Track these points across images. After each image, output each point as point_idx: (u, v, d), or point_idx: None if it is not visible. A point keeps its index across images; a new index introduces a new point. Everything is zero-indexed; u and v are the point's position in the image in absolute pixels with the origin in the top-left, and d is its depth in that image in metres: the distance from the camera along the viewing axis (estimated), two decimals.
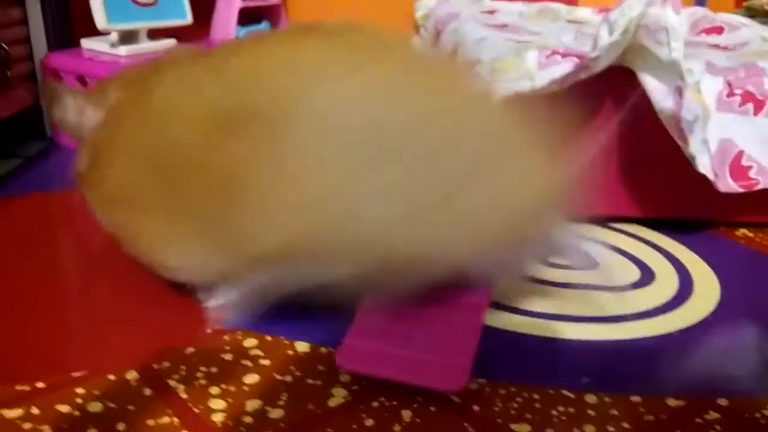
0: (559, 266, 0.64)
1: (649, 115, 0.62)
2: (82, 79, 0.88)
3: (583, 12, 1.08)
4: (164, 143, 0.48)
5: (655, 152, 0.68)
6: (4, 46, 0.83)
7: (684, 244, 0.70)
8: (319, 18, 1.20)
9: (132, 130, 0.50)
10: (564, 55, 0.63)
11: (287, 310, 0.54)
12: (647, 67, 0.61)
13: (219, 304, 0.52)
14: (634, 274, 0.64)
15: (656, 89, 0.61)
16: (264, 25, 1.11)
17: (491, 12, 1.04)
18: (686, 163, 0.63)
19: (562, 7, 1.09)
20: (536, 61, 0.64)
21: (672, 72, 0.58)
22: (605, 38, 0.61)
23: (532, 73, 0.63)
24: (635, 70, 0.62)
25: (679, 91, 0.58)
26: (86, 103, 0.53)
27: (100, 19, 0.86)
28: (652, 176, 0.70)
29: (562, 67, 0.61)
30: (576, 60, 0.60)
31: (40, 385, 0.45)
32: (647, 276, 0.64)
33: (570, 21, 1.00)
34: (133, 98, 0.51)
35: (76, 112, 0.53)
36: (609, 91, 0.66)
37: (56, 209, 0.76)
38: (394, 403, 0.44)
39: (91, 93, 0.55)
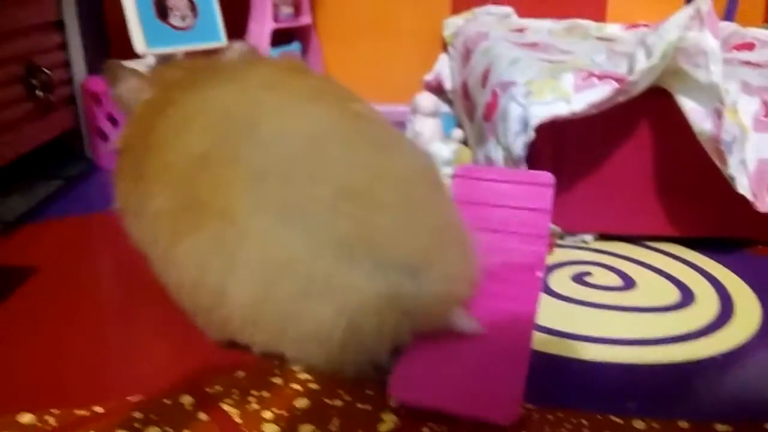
0: (599, 287, 0.65)
1: (686, 134, 0.63)
2: None
3: (612, 28, 1.09)
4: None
5: (692, 171, 0.68)
6: (46, 71, 0.86)
7: (722, 263, 0.70)
8: (348, 38, 1.22)
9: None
10: (601, 78, 0.63)
11: None
12: (685, 89, 0.61)
13: None
14: (674, 295, 0.64)
15: (694, 111, 0.61)
16: (295, 45, 1.12)
17: (520, 30, 1.04)
18: (723, 183, 0.63)
19: (591, 24, 1.09)
20: (572, 84, 0.65)
21: (711, 94, 0.59)
22: (642, 62, 0.61)
23: (568, 95, 0.63)
24: (672, 91, 0.63)
25: (718, 114, 0.58)
26: (143, 83, 0.58)
27: (139, 44, 0.88)
28: (689, 195, 0.70)
29: (600, 91, 0.61)
30: (614, 84, 0.61)
31: (98, 409, 0.46)
32: (687, 297, 0.64)
33: (600, 38, 1.00)
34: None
35: (134, 91, 0.58)
36: (645, 111, 0.66)
37: (99, 230, 0.78)
38: (444, 428, 0.44)
39: (147, 75, 0.60)
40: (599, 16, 1.19)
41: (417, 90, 1.21)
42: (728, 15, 1.18)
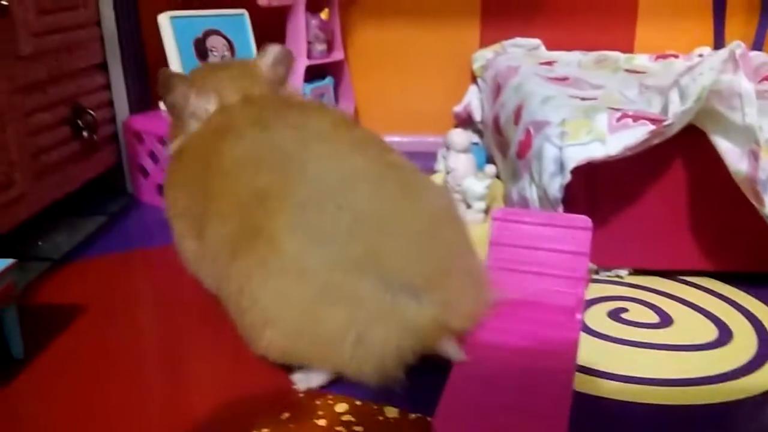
0: (635, 324, 0.65)
1: (719, 170, 0.63)
2: (162, 140, 0.93)
3: (641, 59, 1.09)
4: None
5: (725, 206, 0.68)
6: (91, 112, 0.89)
7: (758, 298, 0.70)
8: (379, 72, 1.24)
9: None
10: (635, 119, 0.64)
11: None
12: (720, 130, 0.62)
13: (308, 385, 0.56)
14: (711, 332, 0.64)
15: (730, 151, 0.62)
16: (328, 80, 1.15)
17: (550, 63, 1.05)
18: (758, 217, 0.63)
19: (619, 56, 1.10)
20: (607, 124, 0.66)
21: (746, 136, 0.59)
22: (676, 103, 0.62)
23: (603, 136, 0.64)
24: (707, 132, 0.63)
25: (754, 155, 0.59)
26: (192, 91, 0.65)
27: None
28: (724, 229, 0.70)
29: (636, 133, 0.62)
30: (650, 126, 0.62)
31: None
32: (725, 335, 0.64)
33: (629, 70, 1.01)
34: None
35: (183, 99, 0.65)
36: (678, 148, 0.67)
37: (143, 266, 0.80)
38: None
39: (195, 83, 0.66)
40: (627, 46, 1.20)
41: (446, 121, 1.23)
42: (757, 44, 1.18)
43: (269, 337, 0.53)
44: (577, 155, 0.63)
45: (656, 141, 0.62)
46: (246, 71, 0.68)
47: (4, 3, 0.70)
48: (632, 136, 0.62)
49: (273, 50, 0.70)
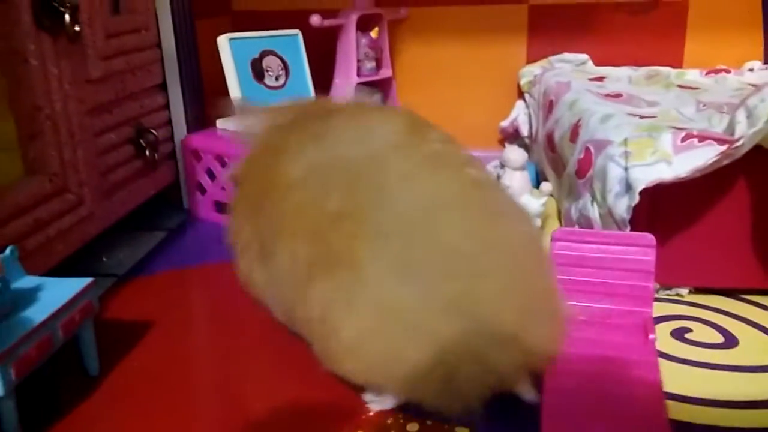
0: (700, 344, 0.65)
1: None
2: (220, 159, 0.95)
3: (692, 74, 1.09)
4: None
5: None
6: (153, 131, 0.91)
7: None
8: (426, 88, 1.26)
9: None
10: (701, 139, 0.64)
11: None
12: None
13: (382, 407, 0.56)
14: None
15: None
16: (375, 97, 1.16)
17: (600, 79, 1.05)
18: None
19: (670, 71, 1.09)
20: (671, 144, 0.66)
21: None
22: (744, 123, 0.62)
23: (668, 156, 0.64)
24: None
25: None
26: (265, 119, 0.66)
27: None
28: None
29: (703, 154, 0.62)
30: (717, 147, 0.62)
31: None
32: None
33: (681, 86, 1.01)
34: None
35: (255, 125, 0.66)
36: (741, 166, 0.66)
37: (203, 282, 0.82)
38: None
39: (269, 113, 0.67)
40: (676, 60, 1.20)
41: (492, 136, 1.24)
42: None
43: (351, 368, 0.52)
44: (645, 176, 0.63)
45: (726, 162, 0.62)
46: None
47: (77, 29, 0.73)
48: (701, 157, 0.62)
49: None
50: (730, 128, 0.65)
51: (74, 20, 0.71)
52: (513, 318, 0.49)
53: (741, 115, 0.63)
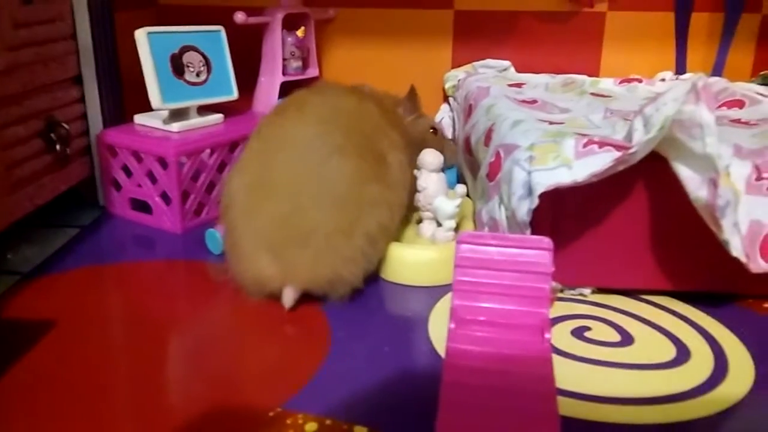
0: (598, 342, 0.67)
1: (678, 194, 0.66)
2: (136, 155, 0.93)
3: (606, 83, 1.13)
4: None
5: (685, 228, 0.71)
6: (65, 125, 0.89)
7: (715, 317, 0.73)
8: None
9: None
10: (600, 145, 0.67)
11: (341, 393, 0.58)
12: (681, 157, 0.65)
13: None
14: (670, 351, 0.67)
15: (690, 179, 0.64)
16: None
17: (519, 85, 1.08)
18: (715, 239, 0.66)
19: (585, 79, 1.14)
20: (573, 150, 0.68)
21: (706, 164, 0.62)
22: (640, 131, 0.65)
23: (569, 161, 0.67)
24: (669, 159, 0.66)
25: (714, 183, 0.62)
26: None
27: (155, 100, 0.91)
28: (683, 251, 0.73)
29: (601, 160, 0.65)
30: (614, 153, 0.64)
31: None
32: (683, 354, 0.66)
33: (595, 94, 1.05)
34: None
35: None
36: (640, 172, 0.69)
37: (114, 280, 0.80)
38: None
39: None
40: (594, 69, 1.24)
41: None
42: (716, 70, 1.23)
43: None
44: (545, 180, 0.65)
45: (621, 168, 0.65)
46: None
47: None
48: (598, 163, 0.64)
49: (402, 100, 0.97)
50: (629, 135, 0.68)
51: None
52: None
53: (638, 123, 0.66)
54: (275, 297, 0.72)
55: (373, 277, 0.81)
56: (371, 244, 0.73)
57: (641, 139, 0.64)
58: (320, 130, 0.74)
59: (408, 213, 0.85)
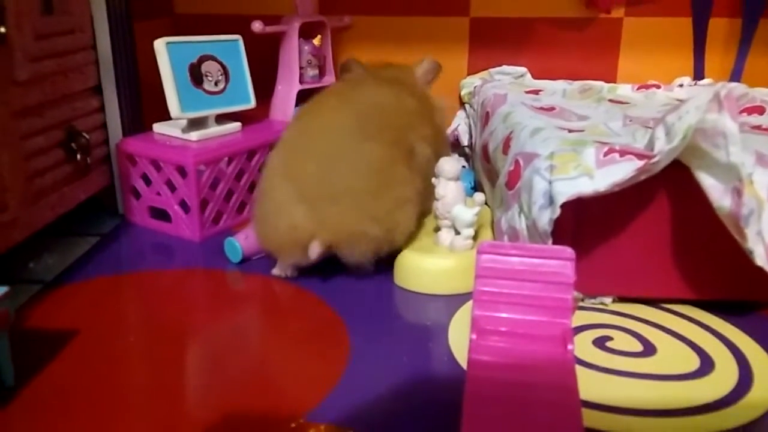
0: (620, 352, 0.67)
1: (701, 201, 0.65)
2: (156, 163, 0.94)
3: (624, 89, 1.12)
4: None
5: (707, 236, 0.71)
6: (85, 135, 0.90)
7: (738, 326, 0.72)
8: None
9: None
10: (622, 154, 0.66)
11: (363, 404, 0.58)
12: (704, 165, 0.64)
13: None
14: (693, 362, 0.66)
15: (713, 187, 0.64)
16: None
17: (536, 92, 1.08)
18: (738, 247, 0.66)
19: (603, 85, 1.13)
20: (594, 159, 0.68)
21: (730, 173, 0.62)
22: (662, 140, 0.64)
23: (591, 171, 0.66)
24: (691, 167, 0.66)
25: (737, 192, 0.61)
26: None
27: (174, 109, 0.92)
28: (705, 259, 0.72)
29: (623, 169, 0.64)
30: (636, 162, 0.64)
31: None
32: (706, 364, 0.66)
33: (612, 100, 1.04)
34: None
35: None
36: (662, 181, 0.69)
37: (135, 289, 0.81)
38: None
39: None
40: (611, 75, 1.24)
41: None
42: (735, 75, 1.22)
43: None
44: (567, 190, 0.65)
45: (643, 177, 0.64)
46: (405, 74, 0.97)
47: (2, 30, 0.71)
48: (620, 172, 0.64)
49: (428, 61, 1.00)
50: (650, 144, 0.67)
51: (0, 21, 0.69)
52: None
53: (660, 132, 0.65)
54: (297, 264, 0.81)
55: (391, 286, 0.81)
56: (396, 207, 0.79)
57: (663, 148, 0.63)
58: (357, 124, 0.81)
59: (426, 203, 0.87)
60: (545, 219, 0.67)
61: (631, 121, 0.87)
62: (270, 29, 1.07)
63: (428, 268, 0.80)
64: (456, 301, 0.78)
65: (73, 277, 0.83)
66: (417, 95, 0.92)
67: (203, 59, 0.96)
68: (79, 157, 0.88)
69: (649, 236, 0.72)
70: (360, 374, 0.63)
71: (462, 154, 1.19)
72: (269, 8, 1.21)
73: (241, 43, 1.01)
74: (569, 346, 0.58)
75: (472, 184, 1.06)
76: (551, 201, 0.67)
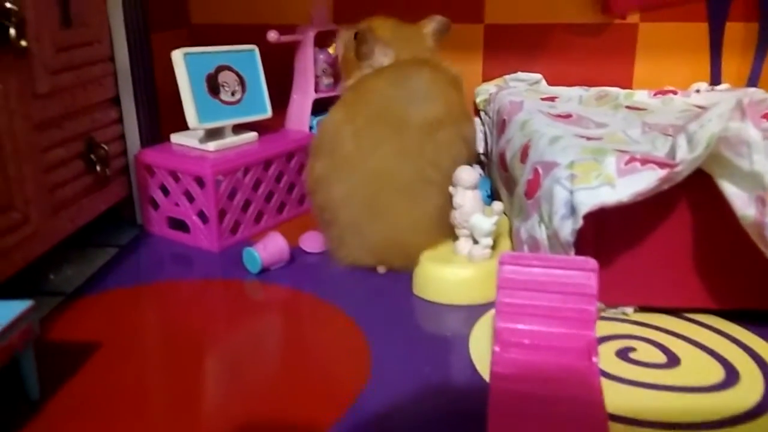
0: (643, 364, 0.66)
1: (724, 210, 0.65)
2: (174, 174, 0.94)
3: (640, 95, 1.11)
4: None
5: (730, 245, 0.70)
6: (104, 147, 0.90)
7: (762, 336, 0.72)
8: None
9: None
10: (643, 162, 0.66)
11: (385, 417, 0.57)
12: (727, 174, 0.64)
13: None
14: (718, 373, 0.65)
15: (736, 196, 0.63)
16: None
17: (552, 99, 1.08)
18: (761, 257, 0.65)
19: (619, 91, 1.12)
20: (615, 167, 0.67)
21: (753, 182, 0.61)
22: (684, 148, 0.64)
23: (612, 180, 0.66)
24: (714, 176, 0.65)
25: (762, 201, 0.61)
26: (378, 46, 0.93)
27: (192, 120, 0.92)
28: (728, 268, 0.72)
29: (645, 178, 0.64)
30: (658, 171, 0.63)
31: None
32: (732, 376, 0.65)
33: (630, 107, 1.03)
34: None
35: (370, 51, 0.93)
36: (684, 189, 0.68)
37: (155, 300, 0.81)
38: None
39: (382, 41, 0.93)
40: (626, 81, 1.23)
41: None
42: (752, 79, 1.21)
43: None
44: (589, 200, 0.65)
45: (666, 186, 0.64)
46: (417, 35, 0.96)
47: (23, 44, 0.71)
48: (642, 182, 0.63)
49: (437, 19, 0.98)
50: (672, 152, 0.67)
51: (20, 35, 0.70)
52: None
53: (682, 140, 0.65)
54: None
55: (410, 295, 0.81)
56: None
57: (686, 156, 0.63)
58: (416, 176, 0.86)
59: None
60: (567, 229, 0.67)
61: (649, 128, 0.87)
62: (285, 39, 1.07)
63: (447, 278, 0.79)
64: (476, 311, 0.77)
65: (92, 288, 0.83)
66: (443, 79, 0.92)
67: (220, 69, 0.96)
68: (98, 168, 0.89)
69: (670, 244, 0.72)
70: (382, 386, 0.63)
71: (477, 161, 1.19)
72: (284, 18, 1.22)
73: (257, 53, 1.02)
74: (594, 359, 0.58)
75: (489, 191, 1.05)
76: (573, 211, 0.66)
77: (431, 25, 0.97)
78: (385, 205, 0.84)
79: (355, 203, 0.84)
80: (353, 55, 0.94)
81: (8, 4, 0.68)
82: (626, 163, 0.67)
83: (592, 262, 0.61)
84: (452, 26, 0.99)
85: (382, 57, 0.93)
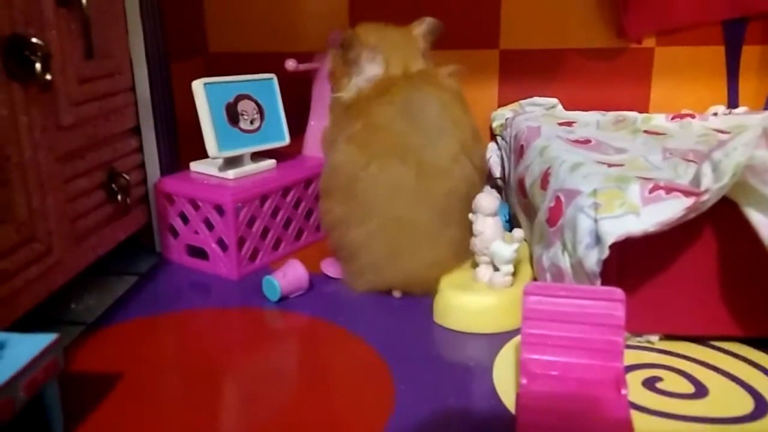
0: (671, 394, 0.65)
1: (748, 235, 0.64)
2: (193, 202, 0.95)
3: (658, 119, 1.11)
4: None
5: (756, 271, 0.69)
6: (125, 176, 0.91)
7: None
8: None
9: None
10: (667, 191, 0.65)
11: None
12: (753, 203, 0.63)
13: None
14: (747, 404, 0.64)
15: (762, 224, 0.63)
16: None
17: (569, 124, 1.07)
18: None
19: (637, 116, 1.12)
20: (639, 196, 0.67)
21: None
22: (709, 176, 0.63)
23: (637, 208, 0.65)
24: (740, 204, 0.64)
25: None
26: (364, 53, 0.89)
27: (212, 149, 0.93)
28: (755, 295, 0.71)
29: (670, 208, 0.63)
30: (684, 200, 0.63)
31: None
32: (762, 406, 0.64)
33: (648, 132, 1.03)
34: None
35: (357, 57, 0.89)
36: (708, 216, 0.67)
37: (176, 330, 0.81)
38: None
39: (368, 47, 0.89)
40: (643, 105, 1.23)
41: None
42: None
43: None
44: (614, 229, 0.64)
45: (692, 216, 0.63)
46: (406, 38, 0.91)
47: (48, 78, 0.72)
48: (668, 211, 0.63)
49: (427, 21, 0.93)
50: (696, 180, 0.66)
51: (45, 68, 0.71)
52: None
53: (707, 168, 0.64)
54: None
55: (430, 323, 0.80)
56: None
57: (711, 185, 0.62)
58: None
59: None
60: (593, 259, 0.66)
61: (670, 154, 0.86)
62: (303, 67, 1.08)
63: (469, 306, 0.79)
64: (498, 339, 0.77)
65: (113, 317, 0.83)
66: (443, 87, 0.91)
67: (239, 98, 0.97)
68: (119, 197, 0.89)
69: (695, 271, 0.71)
70: (407, 417, 0.62)
71: (494, 186, 1.19)
72: (301, 45, 1.23)
73: (275, 81, 1.02)
74: (623, 391, 0.57)
75: (507, 217, 1.05)
76: (598, 240, 0.66)
77: (421, 27, 0.93)
78: (405, 247, 0.84)
79: (374, 246, 0.84)
80: (341, 64, 0.90)
81: (34, 39, 0.69)
82: (650, 191, 0.67)
83: (619, 293, 0.60)
84: (443, 27, 0.93)
85: (370, 62, 0.88)
